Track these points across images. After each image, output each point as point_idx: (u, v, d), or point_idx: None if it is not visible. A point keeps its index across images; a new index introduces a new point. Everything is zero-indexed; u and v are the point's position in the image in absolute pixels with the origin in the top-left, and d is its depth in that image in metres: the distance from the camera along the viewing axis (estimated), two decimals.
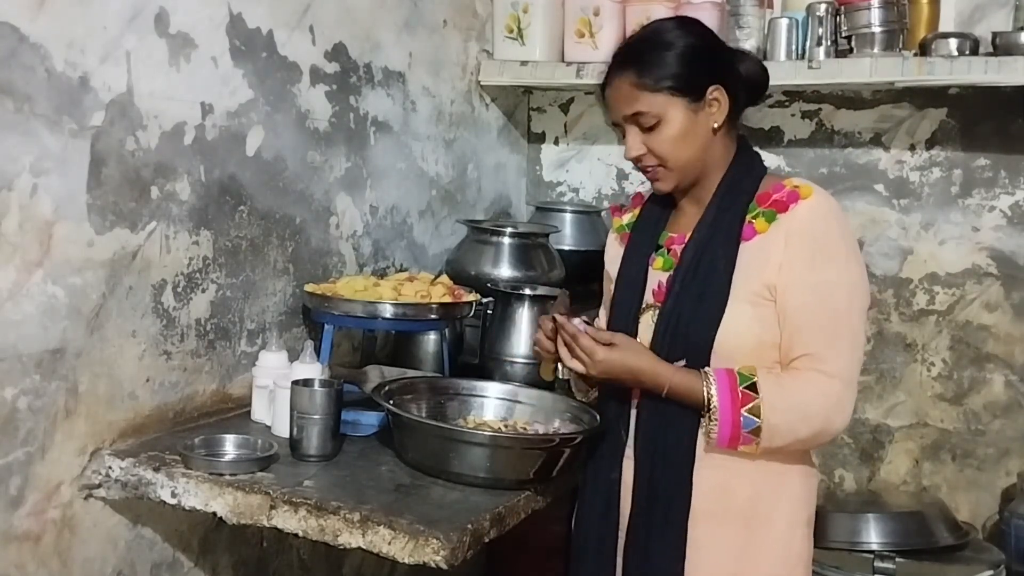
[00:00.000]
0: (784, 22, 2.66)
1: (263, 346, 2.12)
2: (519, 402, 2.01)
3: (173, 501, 1.75)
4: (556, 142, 3.24)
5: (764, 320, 1.63)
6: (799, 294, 1.61)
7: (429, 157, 2.73)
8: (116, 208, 1.82)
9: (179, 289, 1.97)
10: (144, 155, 1.87)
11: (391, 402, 1.83)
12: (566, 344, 1.65)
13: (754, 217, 1.66)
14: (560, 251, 2.68)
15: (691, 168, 1.69)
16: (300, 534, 1.64)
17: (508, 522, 1.68)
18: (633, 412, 1.71)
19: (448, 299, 2.19)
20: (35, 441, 1.73)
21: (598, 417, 1.82)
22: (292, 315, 2.27)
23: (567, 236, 2.80)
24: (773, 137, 2.93)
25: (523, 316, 2.26)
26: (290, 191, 2.23)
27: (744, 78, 1.71)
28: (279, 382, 1.93)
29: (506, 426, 1.95)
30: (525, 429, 1.94)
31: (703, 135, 1.68)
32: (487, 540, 1.62)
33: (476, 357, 2.34)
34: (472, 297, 2.25)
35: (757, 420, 1.57)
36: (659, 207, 1.81)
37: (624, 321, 1.74)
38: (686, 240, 1.71)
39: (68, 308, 1.76)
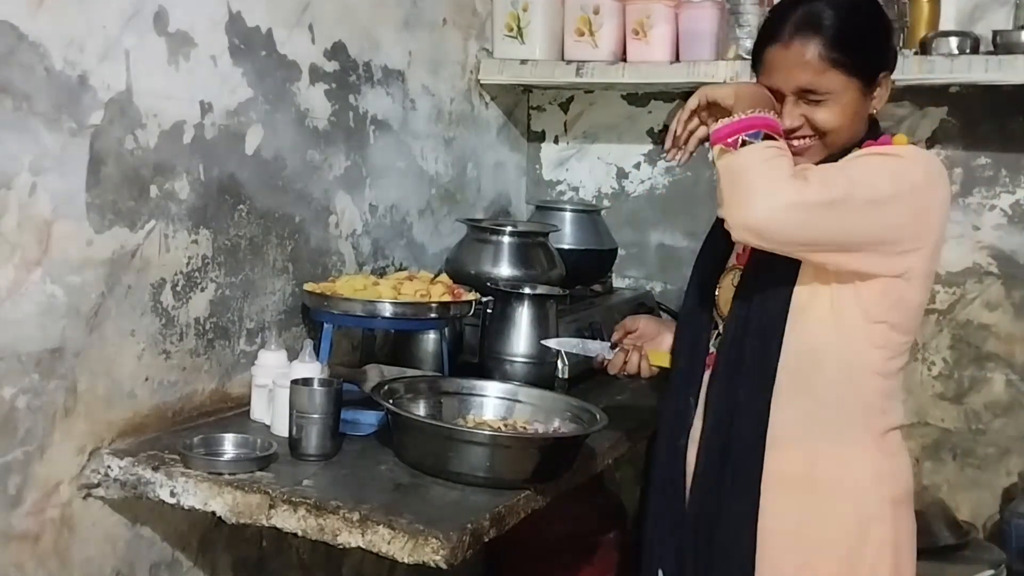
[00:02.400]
0: None
1: (262, 345, 2.11)
2: (519, 401, 2.00)
3: (172, 500, 1.75)
4: (556, 141, 3.24)
5: (840, 275, 1.57)
6: None
7: (429, 156, 2.72)
8: (115, 207, 1.82)
9: (178, 288, 1.97)
10: (143, 154, 1.87)
11: (391, 401, 1.82)
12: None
13: None
14: (560, 250, 2.67)
15: (840, 146, 1.62)
16: (299, 534, 1.64)
17: (508, 522, 1.68)
18: (705, 378, 1.69)
19: (448, 298, 2.18)
20: (34, 440, 1.73)
21: (599, 416, 1.82)
22: (291, 314, 2.26)
23: (567, 235, 2.79)
24: None
25: (523, 315, 2.25)
26: (289, 190, 2.23)
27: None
28: (278, 381, 1.92)
29: (506, 425, 1.95)
30: (525, 428, 1.94)
31: (863, 119, 1.64)
32: (487, 540, 1.62)
33: (476, 356, 2.34)
34: (472, 296, 2.25)
35: (733, 151, 1.49)
36: None
37: (704, 281, 1.74)
38: None
39: (67, 307, 1.76)
